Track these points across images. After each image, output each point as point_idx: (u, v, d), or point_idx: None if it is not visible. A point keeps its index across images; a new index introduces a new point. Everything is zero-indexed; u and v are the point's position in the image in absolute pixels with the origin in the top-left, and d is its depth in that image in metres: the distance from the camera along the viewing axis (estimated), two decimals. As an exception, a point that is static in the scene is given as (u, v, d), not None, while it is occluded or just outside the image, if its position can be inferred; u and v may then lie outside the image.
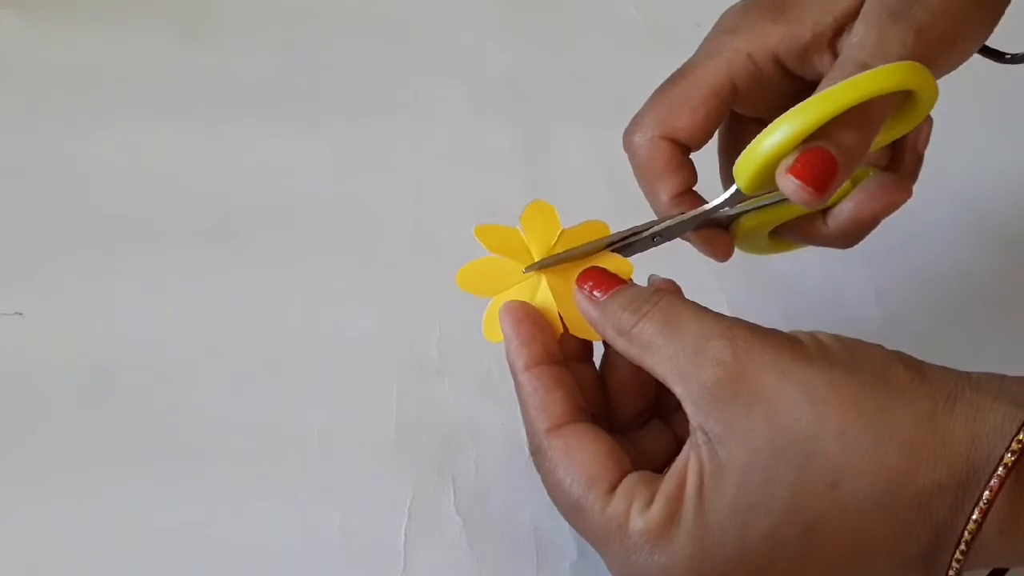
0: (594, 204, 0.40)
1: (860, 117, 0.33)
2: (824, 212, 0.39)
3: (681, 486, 0.32)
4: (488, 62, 0.59)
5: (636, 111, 0.39)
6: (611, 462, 0.34)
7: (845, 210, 0.38)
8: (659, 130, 0.38)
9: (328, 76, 0.58)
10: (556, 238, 0.39)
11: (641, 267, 0.39)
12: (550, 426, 0.35)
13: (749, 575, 0.32)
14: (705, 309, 0.34)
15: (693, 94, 0.37)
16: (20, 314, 0.46)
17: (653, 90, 0.39)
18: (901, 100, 0.35)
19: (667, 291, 0.36)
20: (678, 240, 0.40)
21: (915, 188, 0.39)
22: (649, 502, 0.33)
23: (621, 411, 0.38)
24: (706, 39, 0.39)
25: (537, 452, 0.36)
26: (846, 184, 0.38)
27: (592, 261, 0.38)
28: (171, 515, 0.41)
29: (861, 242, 0.40)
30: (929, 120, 0.38)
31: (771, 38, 0.36)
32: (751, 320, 0.34)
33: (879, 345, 0.33)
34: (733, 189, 0.36)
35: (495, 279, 0.39)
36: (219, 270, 0.49)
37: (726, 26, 0.38)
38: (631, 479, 0.34)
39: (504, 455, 0.43)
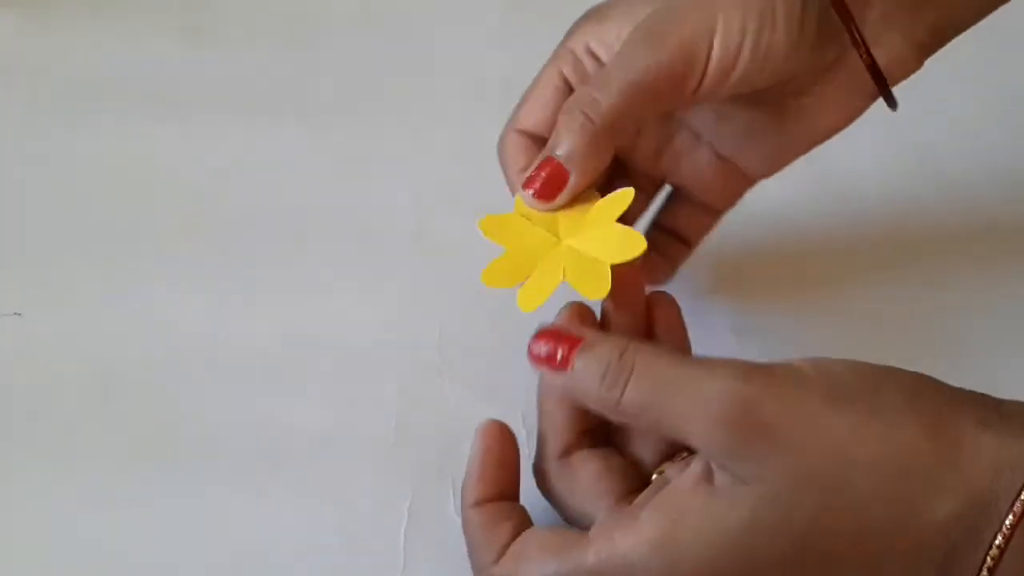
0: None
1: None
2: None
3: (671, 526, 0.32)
4: (488, 62, 0.59)
5: None
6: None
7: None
8: (515, 125, 0.41)
9: (328, 76, 0.58)
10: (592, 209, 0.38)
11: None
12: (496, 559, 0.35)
13: None
14: (683, 356, 0.34)
15: (537, 92, 0.41)
16: (20, 314, 0.46)
17: None
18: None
19: (631, 344, 0.33)
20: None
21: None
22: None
23: None
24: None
25: None
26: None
27: (600, 216, 0.38)
28: (170, 515, 0.41)
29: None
30: None
31: (585, 35, 0.41)
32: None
33: (902, 371, 0.33)
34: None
35: (520, 266, 0.38)
36: (219, 270, 0.49)
37: (567, 33, 0.42)
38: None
39: (504, 455, 0.43)
